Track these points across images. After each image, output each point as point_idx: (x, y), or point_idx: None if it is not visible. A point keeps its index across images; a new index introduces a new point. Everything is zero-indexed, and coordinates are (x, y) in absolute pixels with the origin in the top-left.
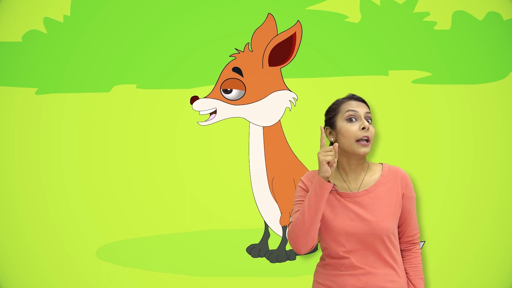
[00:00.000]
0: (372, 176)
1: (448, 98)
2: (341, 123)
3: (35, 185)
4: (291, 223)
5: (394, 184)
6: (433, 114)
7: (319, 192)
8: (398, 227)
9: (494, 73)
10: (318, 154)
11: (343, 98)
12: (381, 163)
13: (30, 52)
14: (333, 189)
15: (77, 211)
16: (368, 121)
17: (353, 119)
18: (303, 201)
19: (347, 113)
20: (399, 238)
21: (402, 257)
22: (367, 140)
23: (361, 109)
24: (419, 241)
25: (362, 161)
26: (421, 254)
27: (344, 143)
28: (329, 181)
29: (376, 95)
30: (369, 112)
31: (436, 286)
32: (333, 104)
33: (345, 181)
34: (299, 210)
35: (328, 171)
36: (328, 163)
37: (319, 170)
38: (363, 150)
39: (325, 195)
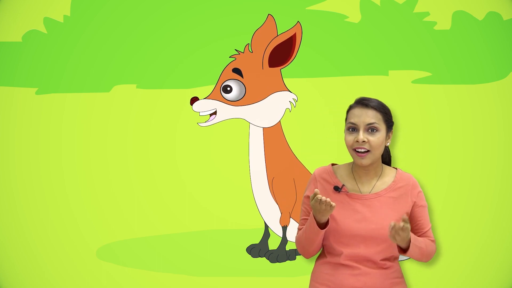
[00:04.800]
0: (384, 181)
1: (448, 98)
2: (344, 130)
3: (35, 185)
4: (297, 235)
5: (405, 191)
6: (433, 114)
7: (314, 234)
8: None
9: (494, 73)
10: (319, 204)
11: (354, 103)
12: (395, 168)
13: (30, 52)
14: (343, 190)
15: (77, 211)
16: (372, 130)
17: (353, 129)
18: (307, 209)
19: (348, 124)
20: None
21: None
22: (366, 151)
23: (362, 120)
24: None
25: (373, 166)
26: (435, 250)
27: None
28: (327, 223)
29: (376, 95)
30: (373, 122)
31: (437, 286)
32: (347, 108)
33: (357, 183)
34: (304, 218)
35: (325, 218)
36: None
37: (319, 214)
38: (360, 161)
39: (320, 237)
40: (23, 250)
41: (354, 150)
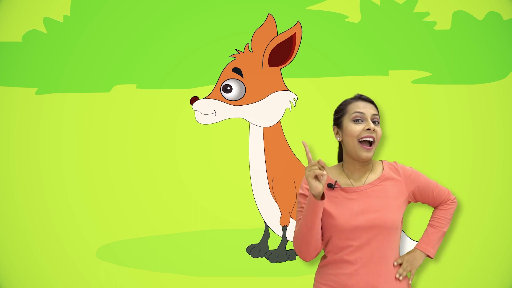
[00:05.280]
0: (375, 173)
1: (448, 98)
2: (347, 123)
3: (35, 185)
4: (294, 233)
5: (398, 181)
6: (433, 114)
7: (312, 209)
8: (429, 204)
9: (494, 73)
10: (305, 171)
11: (351, 99)
12: (381, 160)
13: (30, 52)
14: (337, 186)
15: (77, 211)
16: (375, 123)
17: (359, 120)
18: (303, 208)
19: (354, 114)
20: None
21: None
22: (371, 144)
23: (368, 111)
24: (454, 196)
25: (367, 163)
26: (455, 204)
27: (348, 143)
28: (323, 196)
29: (376, 95)
30: (377, 114)
31: (436, 286)
32: (341, 104)
33: (349, 178)
34: (300, 219)
35: (317, 186)
36: (316, 177)
37: (309, 187)
38: (365, 154)
39: (318, 212)
40: (23, 250)
41: (360, 141)
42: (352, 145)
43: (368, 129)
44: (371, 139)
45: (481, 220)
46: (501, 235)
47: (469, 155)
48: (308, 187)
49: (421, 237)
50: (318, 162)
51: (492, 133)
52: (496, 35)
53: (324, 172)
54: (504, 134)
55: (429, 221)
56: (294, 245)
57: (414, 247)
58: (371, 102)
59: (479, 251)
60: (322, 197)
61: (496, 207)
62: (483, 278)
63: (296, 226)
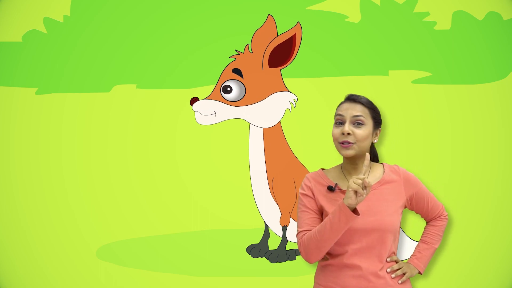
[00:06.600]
0: (374, 176)
1: (448, 98)
2: (333, 125)
3: (35, 185)
4: (306, 236)
5: (398, 184)
6: (433, 114)
7: (344, 220)
8: (422, 216)
9: (494, 73)
10: (351, 179)
11: (343, 100)
12: (382, 163)
13: (30, 52)
14: (337, 188)
15: (77, 211)
16: (357, 124)
17: (339, 123)
18: (309, 208)
19: (336, 117)
20: (426, 221)
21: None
22: (349, 143)
23: (349, 113)
24: (446, 213)
25: (362, 160)
26: (447, 221)
27: (334, 145)
28: (356, 210)
29: (376, 95)
30: (359, 115)
31: (436, 286)
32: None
33: (348, 181)
34: (306, 218)
35: (351, 198)
36: (356, 192)
37: (345, 196)
38: (344, 152)
39: (349, 224)
40: (23, 250)
41: (340, 143)
42: (335, 145)
43: (342, 134)
44: (346, 144)
45: (481, 220)
46: (501, 235)
47: (469, 155)
48: (310, 185)
49: (413, 253)
50: (363, 180)
51: (493, 133)
52: (496, 35)
53: (365, 194)
54: (504, 134)
55: (421, 236)
56: (303, 247)
57: (407, 261)
58: (359, 101)
59: (479, 251)
60: (356, 212)
61: (496, 207)
62: (483, 278)
63: (305, 226)
